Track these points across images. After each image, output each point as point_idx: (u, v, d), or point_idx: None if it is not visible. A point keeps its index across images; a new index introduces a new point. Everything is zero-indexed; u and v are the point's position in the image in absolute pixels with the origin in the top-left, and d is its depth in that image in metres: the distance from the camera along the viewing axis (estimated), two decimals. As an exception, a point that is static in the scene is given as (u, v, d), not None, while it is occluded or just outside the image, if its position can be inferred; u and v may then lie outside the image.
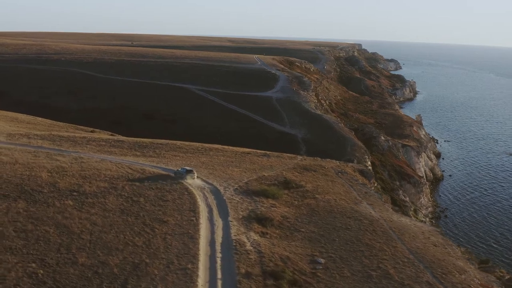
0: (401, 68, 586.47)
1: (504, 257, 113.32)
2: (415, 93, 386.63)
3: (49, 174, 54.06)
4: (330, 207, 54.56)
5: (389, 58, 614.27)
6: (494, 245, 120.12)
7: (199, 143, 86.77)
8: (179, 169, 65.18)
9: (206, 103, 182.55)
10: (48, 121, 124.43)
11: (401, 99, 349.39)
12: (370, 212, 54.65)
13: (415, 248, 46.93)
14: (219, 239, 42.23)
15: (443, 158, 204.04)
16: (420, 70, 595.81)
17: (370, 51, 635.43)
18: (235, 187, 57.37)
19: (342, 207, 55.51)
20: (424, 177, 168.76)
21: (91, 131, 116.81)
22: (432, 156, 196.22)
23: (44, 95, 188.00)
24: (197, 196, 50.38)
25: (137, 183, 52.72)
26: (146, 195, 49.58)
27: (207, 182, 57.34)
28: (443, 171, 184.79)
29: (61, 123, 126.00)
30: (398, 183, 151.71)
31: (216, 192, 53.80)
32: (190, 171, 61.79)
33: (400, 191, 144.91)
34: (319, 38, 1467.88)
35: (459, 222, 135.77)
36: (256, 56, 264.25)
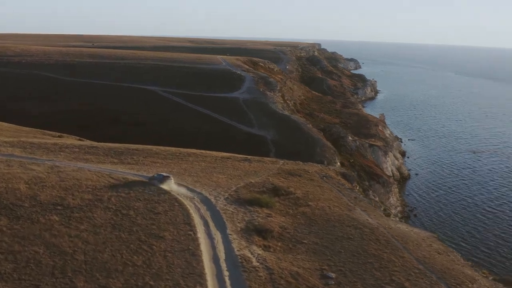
0: (360, 67, 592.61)
1: (473, 255, 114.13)
2: (376, 92, 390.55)
3: (27, 185, 50.85)
4: (326, 215, 53.04)
5: (349, 58, 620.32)
6: (463, 244, 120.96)
7: (175, 148, 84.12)
8: (155, 175, 63.47)
9: (172, 105, 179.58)
10: (14, 126, 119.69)
11: (363, 98, 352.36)
12: (367, 219, 53.34)
13: (422, 257, 45.75)
14: (222, 254, 40.00)
15: (408, 157, 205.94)
16: (380, 69, 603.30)
17: (329, 51, 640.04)
18: (226, 196, 55.21)
19: (338, 214, 54.05)
20: (392, 176, 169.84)
21: (59, 136, 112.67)
22: (398, 155, 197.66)
23: (5, 98, 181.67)
24: (189, 207, 48.06)
25: (123, 194, 50.07)
26: (135, 207, 47.01)
27: (194, 191, 55.00)
28: (409, 170, 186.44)
29: (27, 128, 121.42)
30: (367, 183, 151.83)
31: (207, 202, 51.58)
32: (167, 177, 60.05)
33: (370, 191, 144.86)
34: (278, 38, 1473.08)
35: (427, 221, 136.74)
36: (220, 56, 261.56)
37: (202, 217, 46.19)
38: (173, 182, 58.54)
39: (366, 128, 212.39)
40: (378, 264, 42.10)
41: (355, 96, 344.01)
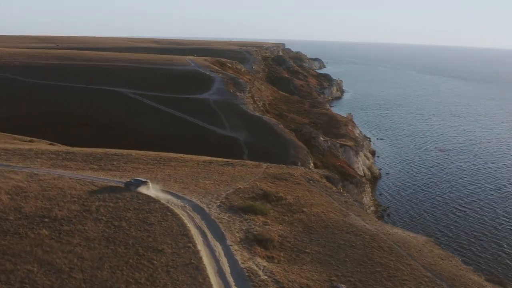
0: (325, 67, 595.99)
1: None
2: (342, 91, 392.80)
3: (8, 196, 48.23)
4: (323, 222, 51.80)
5: (313, 57, 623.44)
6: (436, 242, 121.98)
7: (154, 152, 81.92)
8: (131, 180, 60.83)
9: (142, 107, 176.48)
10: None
11: (330, 98, 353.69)
12: (364, 225, 52.32)
13: (428, 264, 44.88)
14: (226, 268, 38.26)
15: (378, 156, 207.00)
16: (344, 68, 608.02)
17: (293, 51, 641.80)
18: (217, 203, 53.44)
19: (335, 220, 52.90)
20: (364, 176, 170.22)
21: (29, 141, 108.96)
22: (369, 155, 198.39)
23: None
24: (183, 217, 46.12)
25: (111, 204, 47.87)
26: (126, 217, 44.91)
27: (184, 199, 53.08)
28: (380, 169, 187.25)
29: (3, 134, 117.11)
30: (341, 183, 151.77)
31: (200, 211, 49.75)
32: (145, 182, 58.28)
33: (344, 192, 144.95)
34: (242, 38, 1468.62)
35: (399, 220, 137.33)
36: (188, 57, 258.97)
37: (198, 227, 44.36)
38: (150, 187, 57.12)
39: (336, 128, 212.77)
40: (386, 273, 41.04)
41: (322, 95, 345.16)
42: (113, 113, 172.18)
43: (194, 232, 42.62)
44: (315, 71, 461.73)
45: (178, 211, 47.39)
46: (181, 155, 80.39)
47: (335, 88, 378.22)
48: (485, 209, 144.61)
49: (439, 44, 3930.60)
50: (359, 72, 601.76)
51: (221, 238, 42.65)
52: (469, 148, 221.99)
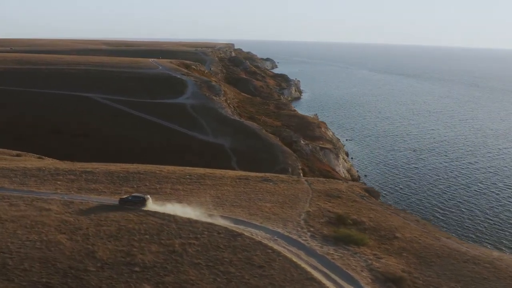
0: (277, 67, 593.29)
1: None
2: (300, 92, 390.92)
3: (66, 236, 41.47)
4: (427, 249, 47.22)
5: (264, 57, 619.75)
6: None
7: (177, 167, 75.31)
8: (129, 197, 57.22)
9: (115, 113, 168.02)
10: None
11: (289, 98, 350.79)
12: (467, 249, 48.09)
13: None
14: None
15: (352, 158, 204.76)
16: (297, 68, 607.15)
17: (244, 51, 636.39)
18: (306, 233, 47.91)
19: (435, 246, 48.38)
20: (345, 179, 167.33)
21: (17, 155, 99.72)
22: (346, 157, 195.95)
23: None
24: (288, 255, 40.49)
25: (193, 241, 41.97)
26: (226, 259, 39.01)
27: (266, 229, 47.26)
28: (357, 171, 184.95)
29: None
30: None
31: (297, 244, 44.40)
32: (147, 199, 55.89)
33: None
34: (191, 39, 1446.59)
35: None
36: (152, 59, 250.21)
37: (315, 268, 38.88)
38: (151, 202, 54.77)
39: (310, 130, 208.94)
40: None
41: (282, 96, 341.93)
42: (86, 120, 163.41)
43: (316, 275, 37.15)
44: (272, 72, 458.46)
45: (276, 246, 41.87)
46: (210, 170, 74.49)
47: (293, 88, 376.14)
48: (465, 203, 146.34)
49: (389, 43, 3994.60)
50: (313, 72, 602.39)
51: (351, 281, 37.32)
52: (438, 147, 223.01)
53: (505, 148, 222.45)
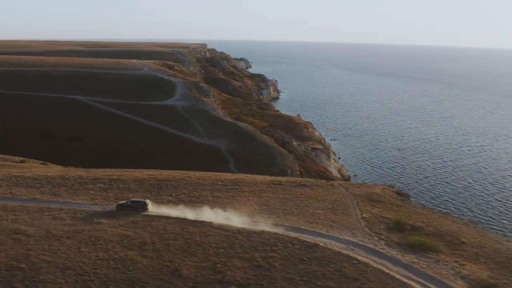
0: (251, 67, 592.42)
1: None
2: (278, 92, 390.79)
3: (136, 253, 40.11)
4: (499, 254, 46.86)
5: (238, 57, 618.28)
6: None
7: (203, 173, 73.94)
8: (128, 202, 56.92)
9: (105, 116, 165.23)
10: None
11: (268, 98, 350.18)
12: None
13: None
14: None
15: (339, 158, 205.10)
16: (271, 68, 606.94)
17: (217, 51, 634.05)
18: (381, 241, 47.07)
19: (502, 251, 48.06)
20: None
21: (21, 161, 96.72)
22: (335, 157, 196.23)
23: None
24: (378, 266, 39.61)
25: (274, 254, 41.32)
26: (318, 273, 38.03)
27: (337, 238, 46.35)
28: (347, 171, 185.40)
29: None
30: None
31: (376, 253, 43.47)
32: (146, 203, 56.14)
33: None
34: (162, 39, 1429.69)
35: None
36: (135, 60, 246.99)
37: (409, 278, 38.00)
38: (150, 206, 55.38)
39: (298, 130, 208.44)
40: None
41: (261, 96, 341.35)
42: (76, 123, 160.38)
43: (416, 285, 36.35)
44: (248, 72, 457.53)
45: (359, 257, 41.01)
46: (245, 175, 73.32)
47: (271, 88, 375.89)
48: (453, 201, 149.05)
49: (362, 42, 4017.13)
50: (287, 71, 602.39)
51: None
52: (421, 145, 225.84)
53: (487, 145, 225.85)
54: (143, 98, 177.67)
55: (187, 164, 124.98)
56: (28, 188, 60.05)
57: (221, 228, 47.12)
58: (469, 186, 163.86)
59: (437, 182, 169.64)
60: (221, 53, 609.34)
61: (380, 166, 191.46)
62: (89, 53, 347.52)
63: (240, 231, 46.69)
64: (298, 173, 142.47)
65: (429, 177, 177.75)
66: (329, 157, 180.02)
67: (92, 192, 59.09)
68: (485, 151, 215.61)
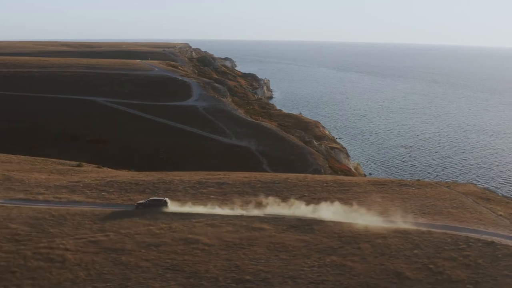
0: (236, 66, 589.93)
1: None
2: (271, 91, 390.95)
3: (336, 257, 39.48)
4: None
5: (223, 57, 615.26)
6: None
7: (292, 174, 73.55)
8: (146, 201, 59.27)
9: (128, 117, 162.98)
10: (3, 155, 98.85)
11: (263, 98, 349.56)
12: None
13: None
14: None
15: (350, 157, 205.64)
16: (256, 67, 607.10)
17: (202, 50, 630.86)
18: None
19: None
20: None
21: (78, 165, 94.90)
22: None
23: None
24: None
25: (465, 252, 40.75)
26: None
27: (498, 235, 46.39)
28: (363, 170, 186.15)
29: (21, 157, 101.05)
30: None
31: None
32: (165, 201, 58.49)
33: None
34: (142, 39, 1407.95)
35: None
36: (139, 61, 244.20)
37: None
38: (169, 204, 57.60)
39: (310, 129, 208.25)
40: None
41: (256, 96, 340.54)
42: (98, 125, 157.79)
43: None
44: (239, 71, 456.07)
45: None
46: (335, 177, 73.02)
47: (264, 87, 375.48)
48: None
49: (345, 40, 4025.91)
50: (273, 70, 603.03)
51: None
52: (425, 143, 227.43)
53: (490, 143, 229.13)
54: (162, 99, 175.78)
55: (223, 165, 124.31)
56: (142, 194, 59.23)
57: (387, 229, 46.94)
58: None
59: (451, 178, 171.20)
60: (205, 52, 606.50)
61: (391, 164, 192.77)
62: (80, 54, 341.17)
63: (407, 231, 46.75)
64: (330, 172, 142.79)
65: (441, 174, 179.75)
66: (347, 156, 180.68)
67: (212, 196, 58.44)
68: (491, 148, 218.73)
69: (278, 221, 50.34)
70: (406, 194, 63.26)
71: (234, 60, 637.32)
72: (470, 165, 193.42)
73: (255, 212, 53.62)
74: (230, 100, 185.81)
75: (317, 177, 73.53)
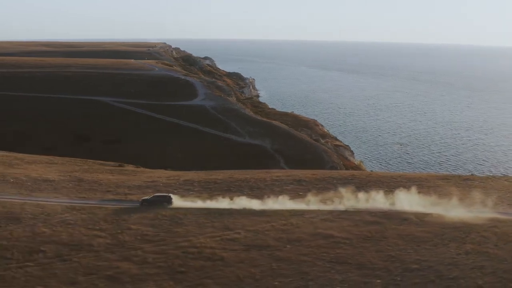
0: (216, 66, 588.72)
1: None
2: (257, 90, 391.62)
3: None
4: None
5: (202, 56, 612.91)
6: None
7: (358, 171, 75.01)
8: (149, 198, 62.15)
9: (138, 117, 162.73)
10: (41, 157, 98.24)
11: (253, 97, 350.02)
12: None
13: None
14: None
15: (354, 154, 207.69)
16: (236, 66, 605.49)
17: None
18: None
19: None
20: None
21: (119, 166, 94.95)
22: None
23: None
24: None
25: None
26: None
27: None
28: (366, 167, 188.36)
29: (59, 158, 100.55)
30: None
31: None
32: (169, 197, 61.58)
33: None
34: (117, 39, 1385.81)
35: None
36: (135, 61, 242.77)
37: None
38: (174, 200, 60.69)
39: (309, 128, 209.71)
40: None
41: (243, 95, 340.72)
42: (109, 125, 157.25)
43: None
44: (224, 70, 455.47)
45: None
46: (390, 173, 74.29)
47: (250, 87, 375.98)
48: None
49: (324, 40, 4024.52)
50: (254, 70, 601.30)
51: None
52: (417, 140, 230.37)
53: (481, 139, 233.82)
54: (168, 99, 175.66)
55: (242, 164, 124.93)
56: (230, 193, 60.17)
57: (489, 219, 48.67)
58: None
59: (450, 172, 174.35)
60: (184, 52, 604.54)
61: (389, 162, 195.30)
62: (65, 54, 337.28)
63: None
64: (345, 169, 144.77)
65: (439, 170, 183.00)
66: (352, 153, 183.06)
67: (301, 193, 59.57)
68: (484, 144, 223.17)
69: (386, 215, 51.62)
70: (477, 187, 65.19)
71: (214, 60, 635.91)
72: (466, 159, 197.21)
73: (360, 206, 55.07)
74: (235, 99, 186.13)
75: (380, 173, 75.14)
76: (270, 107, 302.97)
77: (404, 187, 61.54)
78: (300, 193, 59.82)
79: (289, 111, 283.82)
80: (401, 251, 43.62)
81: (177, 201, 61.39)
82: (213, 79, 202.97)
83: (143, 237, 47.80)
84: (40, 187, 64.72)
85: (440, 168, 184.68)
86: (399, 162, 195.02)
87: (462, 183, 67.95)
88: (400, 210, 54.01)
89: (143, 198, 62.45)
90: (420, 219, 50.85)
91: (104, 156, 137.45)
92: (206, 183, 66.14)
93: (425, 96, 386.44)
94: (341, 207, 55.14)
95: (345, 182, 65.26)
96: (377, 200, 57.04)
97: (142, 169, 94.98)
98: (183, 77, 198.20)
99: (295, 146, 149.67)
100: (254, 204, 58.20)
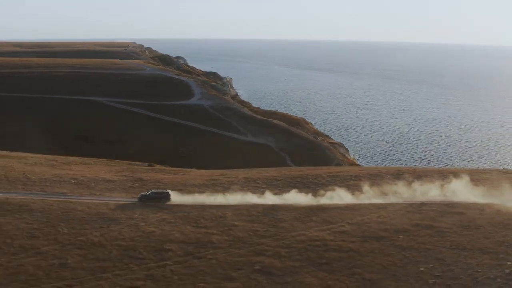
0: (189, 65, 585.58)
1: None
2: (235, 89, 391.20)
3: None
4: None
5: (174, 56, 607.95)
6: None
7: (394, 167, 76.90)
8: (147, 193, 62.79)
9: (138, 117, 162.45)
10: (70, 157, 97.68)
11: (237, 96, 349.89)
12: None
13: None
14: None
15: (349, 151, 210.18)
16: (209, 66, 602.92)
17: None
18: None
19: None
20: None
21: (149, 165, 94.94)
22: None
23: None
24: None
25: None
26: None
27: None
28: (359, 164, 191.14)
29: (94, 159, 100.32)
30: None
31: None
32: (168, 194, 61.90)
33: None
34: (86, 39, 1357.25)
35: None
36: (119, 60, 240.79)
37: None
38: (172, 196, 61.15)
39: (301, 126, 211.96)
40: None
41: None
42: (108, 125, 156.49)
43: None
44: (200, 70, 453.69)
45: None
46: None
47: (229, 86, 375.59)
48: None
49: (296, 39, 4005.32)
50: (228, 69, 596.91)
51: None
52: (405, 139, 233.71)
53: (461, 135, 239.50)
54: (165, 98, 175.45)
55: (249, 162, 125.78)
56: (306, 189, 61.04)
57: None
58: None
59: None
60: (156, 52, 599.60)
61: (378, 158, 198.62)
62: (40, 54, 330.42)
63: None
64: (348, 165, 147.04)
65: (430, 163, 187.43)
66: (347, 150, 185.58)
67: (366, 187, 61.09)
68: (465, 140, 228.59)
69: (462, 206, 53.37)
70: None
71: (186, 59, 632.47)
72: (451, 157, 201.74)
73: (432, 199, 56.81)
74: (230, 98, 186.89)
75: (413, 168, 77.29)
76: (255, 106, 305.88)
77: (456, 178, 63.63)
78: (366, 187, 61.30)
79: (273, 109, 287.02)
80: (505, 237, 45.54)
81: (176, 197, 61.96)
82: (206, 80, 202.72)
83: (255, 232, 48.48)
84: (107, 187, 64.68)
85: (428, 164, 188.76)
86: (389, 159, 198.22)
87: (502, 176, 70.22)
88: (467, 201, 55.99)
89: (141, 194, 63.04)
90: (481, 210, 52.98)
91: (108, 156, 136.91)
92: (268, 180, 66.95)
93: (402, 94, 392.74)
94: (417, 200, 56.87)
95: (396, 176, 67.11)
96: (437, 193, 59.05)
97: (174, 168, 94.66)
98: (177, 77, 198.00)
99: (298, 144, 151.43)
100: (346, 198, 59.58)
